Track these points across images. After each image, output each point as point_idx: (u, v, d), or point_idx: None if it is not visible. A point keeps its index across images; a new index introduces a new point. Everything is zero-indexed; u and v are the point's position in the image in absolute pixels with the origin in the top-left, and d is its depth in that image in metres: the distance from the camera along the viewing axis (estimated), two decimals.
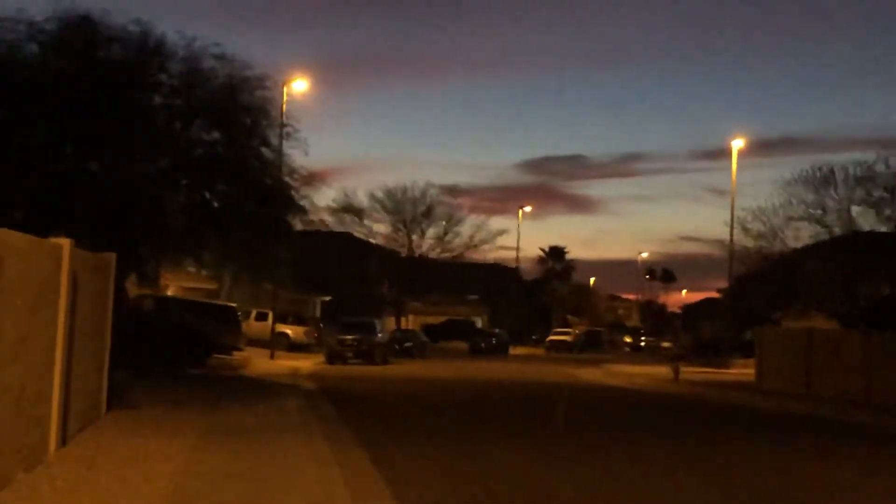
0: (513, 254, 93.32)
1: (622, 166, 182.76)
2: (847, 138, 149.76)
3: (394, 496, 10.59)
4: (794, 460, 16.16)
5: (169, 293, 43.85)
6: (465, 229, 74.77)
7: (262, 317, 50.47)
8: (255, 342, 45.73)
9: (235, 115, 26.87)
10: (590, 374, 45.28)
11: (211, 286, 50.50)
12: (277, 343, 46.67)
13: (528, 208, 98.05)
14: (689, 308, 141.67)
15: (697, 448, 17.40)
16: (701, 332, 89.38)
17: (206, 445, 13.37)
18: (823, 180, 39.16)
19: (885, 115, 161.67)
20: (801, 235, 40.50)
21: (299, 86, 43.59)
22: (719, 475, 13.97)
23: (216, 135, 27.44)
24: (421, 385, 32.67)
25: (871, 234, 38.45)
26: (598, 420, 23.13)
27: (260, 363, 38.48)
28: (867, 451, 18.42)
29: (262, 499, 9.75)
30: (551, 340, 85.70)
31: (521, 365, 53.49)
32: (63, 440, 11.86)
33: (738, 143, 58.52)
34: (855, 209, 38.96)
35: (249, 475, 11.05)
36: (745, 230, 41.80)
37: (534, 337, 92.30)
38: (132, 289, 30.07)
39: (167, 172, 25.96)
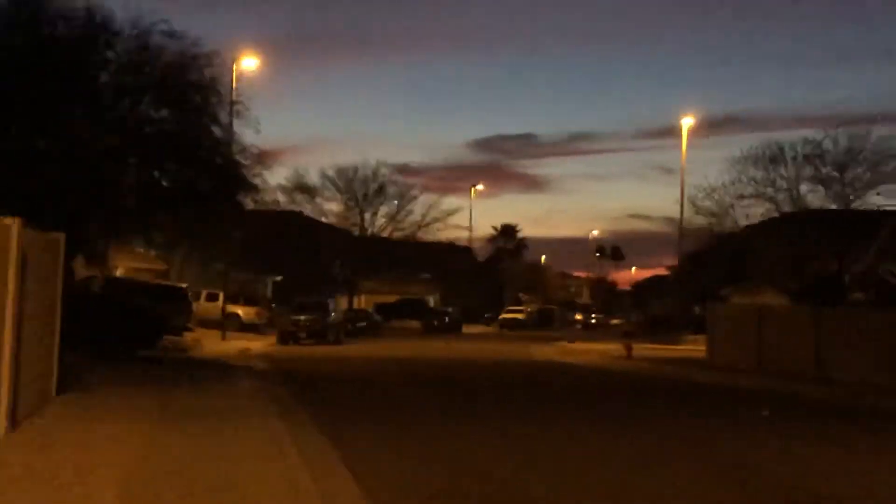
0: (465, 233, 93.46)
1: (572, 145, 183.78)
2: (792, 117, 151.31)
3: (355, 479, 10.47)
4: (757, 434, 16.24)
5: (118, 274, 43.32)
6: (418, 208, 74.66)
7: (212, 297, 50.05)
8: (206, 323, 45.40)
9: (185, 93, 26.51)
10: (543, 352, 45.38)
11: (161, 267, 50.02)
12: (229, 324, 46.30)
13: (480, 187, 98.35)
14: (638, 285, 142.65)
15: (669, 425, 17.45)
16: (651, 309, 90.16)
17: (161, 429, 13.15)
18: (773, 158, 39.55)
19: (831, 94, 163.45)
20: (752, 213, 40.93)
21: (249, 63, 43.08)
22: (683, 445, 14.00)
23: (165, 113, 27.08)
24: (375, 365, 32.56)
25: (820, 212, 38.87)
26: (556, 398, 23.13)
27: (211, 344, 38.15)
28: (823, 423, 18.60)
29: (220, 484, 9.58)
30: (504, 318, 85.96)
31: (474, 343, 53.52)
32: (13, 424, 11.61)
33: (688, 122, 58.78)
34: (804, 187, 39.44)
35: (206, 460, 10.87)
36: (696, 208, 42.16)
37: (487, 315, 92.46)
38: (80, 270, 29.64)
39: (116, 151, 25.55)
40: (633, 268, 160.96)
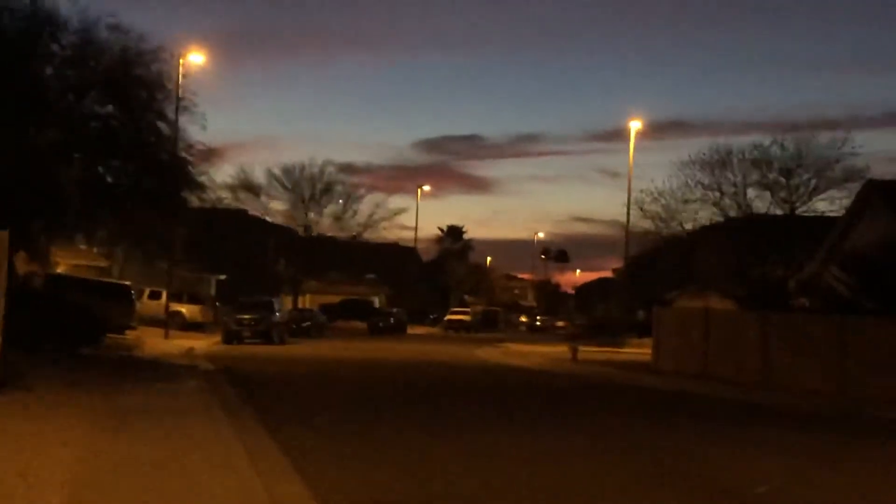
0: (411, 233, 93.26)
1: (518, 147, 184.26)
2: (738, 123, 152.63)
3: (304, 482, 10.26)
4: (708, 444, 16.26)
5: (59, 271, 42.61)
6: (364, 208, 74.26)
7: (155, 295, 49.43)
8: (149, 321, 44.77)
9: (131, 88, 26.21)
10: (489, 354, 45.39)
11: (103, 264, 49.35)
12: (172, 322, 45.74)
13: (426, 187, 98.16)
14: (582, 288, 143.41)
15: (620, 429, 17.43)
16: (595, 312, 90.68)
17: (105, 430, 12.84)
18: (720, 162, 39.85)
19: (776, 100, 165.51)
20: (699, 218, 41.21)
21: (196, 59, 42.55)
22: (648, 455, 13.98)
23: (111, 108, 26.76)
24: (321, 365, 32.27)
25: (766, 217, 39.24)
26: (500, 400, 23.03)
27: (154, 343, 37.62)
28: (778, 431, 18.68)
29: (166, 488, 9.34)
30: (449, 320, 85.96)
31: (420, 344, 53.38)
32: None
33: (635, 125, 59.03)
34: (750, 192, 39.78)
35: (152, 463, 10.61)
36: (644, 211, 42.30)
37: (432, 316, 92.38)
38: (21, 266, 29.10)
39: (60, 146, 25.16)
40: (578, 270, 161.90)
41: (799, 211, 38.67)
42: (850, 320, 26.65)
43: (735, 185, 39.51)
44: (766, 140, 39.31)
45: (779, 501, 11.03)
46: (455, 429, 16.17)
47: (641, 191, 43.62)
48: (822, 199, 38.52)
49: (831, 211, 38.24)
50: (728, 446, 15.52)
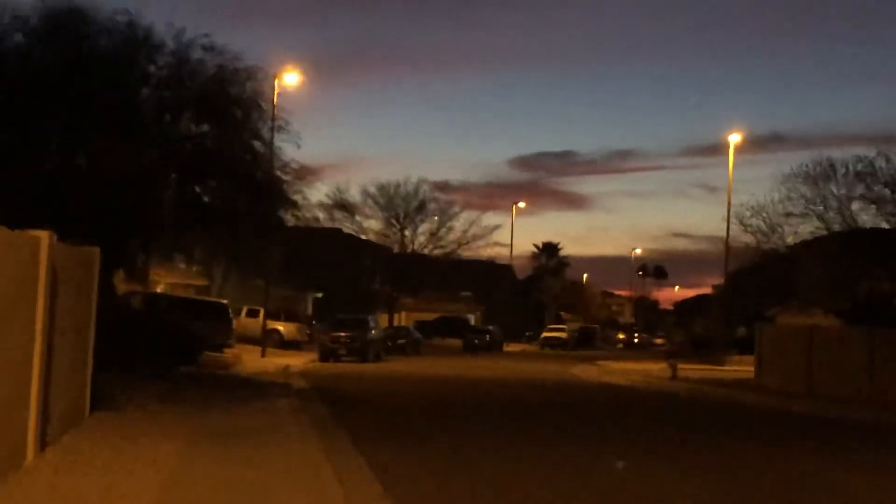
0: (505, 250, 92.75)
1: (613, 163, 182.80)
2: (836, 135, 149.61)
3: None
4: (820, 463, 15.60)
5: (158, 289, 43.17)
6: (459, 225, 74.10)
7: (253, 313, 49.78)
8: (246, 339, 45.08)
9: (225, 108, 26.28)
10: (587, 372, 44.72)
11: (201, 282, 49.88)
12: (269, 340, 45.98)
13: (521, 204, 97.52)
14: (681, 304, 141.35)
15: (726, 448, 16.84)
16: (694, 329, 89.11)
17: (197, 450, 12.73)
18: (823, 175, 38.66)
19: (871, 112, 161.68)
20: (800, 232, 40.05)
21: (291, 79, 42.83)
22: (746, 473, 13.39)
23: (206, 128, 26.87)
24: (416, 384, 32.05)
25: (872, 231, 37.96)
26: (608, 422, 22.47)
27: (251, 361, 37.82)
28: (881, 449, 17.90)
29: None
30: (545, 337, 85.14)
31: (516, 362, 52.90)
32: (42, 445, 11.19)
33: (734, 138, 57.95)
34: (855, 205, 38.52)
35: (243, 484, 10.42)
36: (744, 226, 41.21)
37: (528, 334, 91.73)
38: (121, 285, 29.42)
39: (156, 166, 25.31)
40: (676, 287, 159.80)
41: None
42: None
43: (839, 198, 38.28)
44: (870, 152, 37.96)
45: None
46: (565, 451, 15.69)
47: (741, 205, 42.51)
48: None
49: None
50: (863, 473, 14.68)
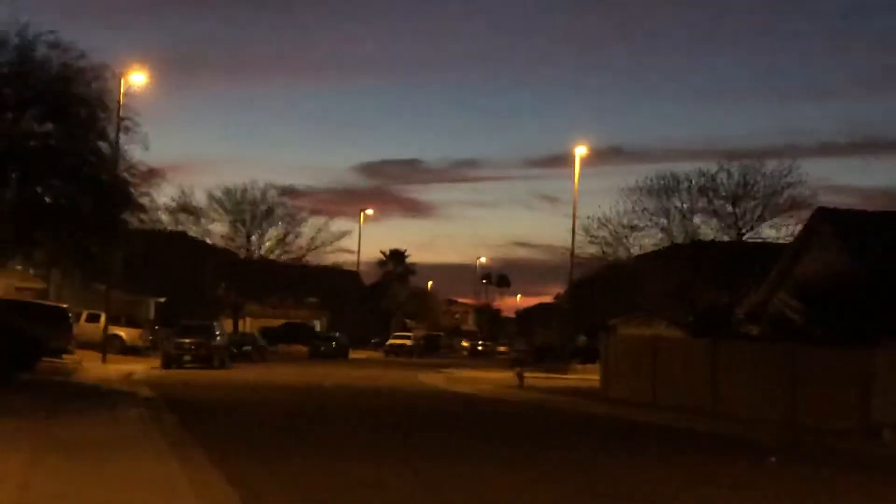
0: (352, 257, 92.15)
1: (458, 172, 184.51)
2: (674, 150, 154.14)
3: None
4: (667, 473, 15.90)
5: None
6: (307, 231, 73.36)
7: (93, 318, 48.24)
8: (87, 345, 43.64)
9: (70, 106, 25.57)
10: (433, 380, 44.77)
11: (39, 285, 48.12)
12: (110, 346, 44.68)
13: (369, 211, 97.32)
14: (523, 313, 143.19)
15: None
16: (536, 338, 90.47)
17: (43, 464, 12.14)
18: (667, 189, 39.73)
19: (712, 128, 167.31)
20: (645, 244, 41.03)
21: (138, 78, 41.51)
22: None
23: (50, 126, 26.05)
24: (263, 391, 31.57)
25: (712, 244, 39.16)
26: (463, 433, 22.42)
27: (92, 367, 36.65)
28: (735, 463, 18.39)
29: None
30: (391, 344, 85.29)
31: (361, 370, 52.65)
32: None
33: (581, 150, 59.05)
34: (697, 218, 39.70)
35: (95, 501, 9.96)
36: (591, 237, 41.97)
37: (373, 341, 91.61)
38: None
39: None
40: (519, 295, 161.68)
41: (745, 237, 38.64)
42: (801, 348, 26.37)
43: (682, 211, 39.42)
44: (712, 167, 39.22)
45: None
46: (419, 463, 15.60)
47: (588, 216, 43.29)
48: (769, 227, 38.51)
49: (777, 238, 38.25)
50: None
